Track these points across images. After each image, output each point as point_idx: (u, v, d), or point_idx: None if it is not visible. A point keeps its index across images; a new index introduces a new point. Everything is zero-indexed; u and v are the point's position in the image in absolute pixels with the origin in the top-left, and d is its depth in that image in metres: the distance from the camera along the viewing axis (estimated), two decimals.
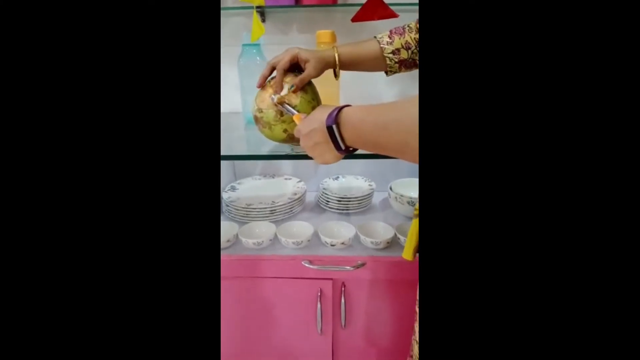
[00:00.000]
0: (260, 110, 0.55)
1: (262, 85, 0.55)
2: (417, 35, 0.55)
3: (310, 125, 0.41)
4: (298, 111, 0.51)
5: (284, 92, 0.53)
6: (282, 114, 0.54)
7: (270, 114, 0.54)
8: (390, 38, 0.55)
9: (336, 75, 0.57)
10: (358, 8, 0.73)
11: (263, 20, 0.88)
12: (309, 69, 0.52)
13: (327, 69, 0.55)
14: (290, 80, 0.53)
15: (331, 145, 0.39)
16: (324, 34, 0.76)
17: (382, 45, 0.55)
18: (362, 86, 0.88)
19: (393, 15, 0.69)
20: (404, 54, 0.55)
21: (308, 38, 0.90)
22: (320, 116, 0.40)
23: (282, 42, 0.90)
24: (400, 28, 0.56)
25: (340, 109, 0.38)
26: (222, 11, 0.88)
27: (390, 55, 0.55)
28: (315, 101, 0.56)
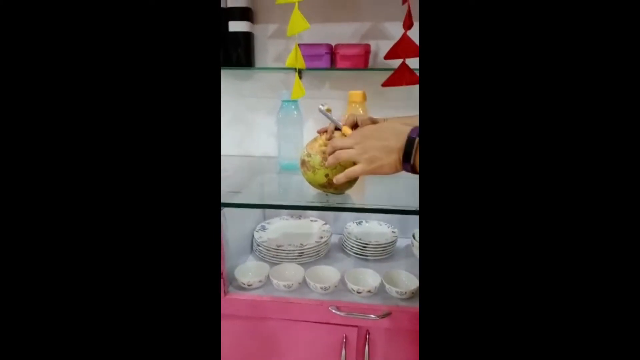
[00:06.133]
0: (309, 155, 0.63)
1: (321, 133, 0.64)
2: None
3: (384, 131, 0.43)
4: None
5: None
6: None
7: (316, 159, 0.62)
8: None
9: None
10: (384, 71, 0.81)
11: (300, 77, 0.97)
12: (364, 122, 0.61)
13: None
14: (339, 135, 0.62)
15: (398, 155, 0.40)
16: (356, 94, 0.84)
17: None
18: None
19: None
20: None
21: (339, 94, 0.98)
22: (399, 128, 0.42)
23: (316, 96, 0.99)
24: None
25: None
26: (263, 71, 0.99)
27: None
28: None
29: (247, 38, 0.92)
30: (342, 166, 0.62)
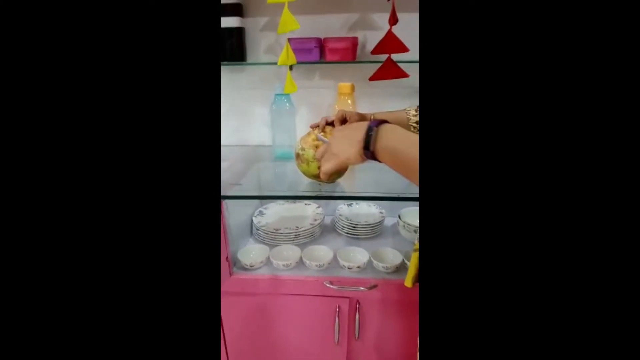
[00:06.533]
0: (302, 149, 0.70)
1: (314, 128, 0.71)
2: None
3: (350, 127, 0.49)
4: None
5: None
6: None
7: (310, 152, 0.69)
8: (416, 112, 0.68)
9: None
10: (371, 64, 0.86)
11: (291, 69, 1.01)
12: (352, 117, 0.68)
13: None
14: (330, 130, 0.68)
15: (360, 144, 0.45)
16: (345, 86, 0.89)
17: (408, 116, 0.68)
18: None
19: (404, 75, 0.82)
20: None
21: (329, 83, 1.03)
22: (360, 125, 0.47)
23: (306, 86, 1.03)
24: None
25: (383, 122, 0.45)
26: (255, 66, 1.03)
27: (414, 124, 0.67)
28: None
29: (239, 33, 0.95)
30: None
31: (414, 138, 0.41)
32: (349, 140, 0.47)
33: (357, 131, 0.46)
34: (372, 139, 0.44)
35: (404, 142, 0.42)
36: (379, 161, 0.46)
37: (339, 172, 0.72)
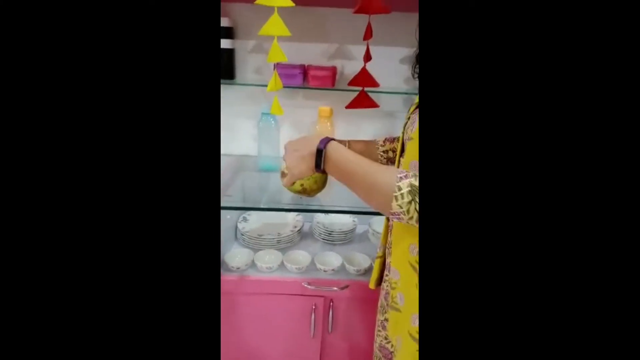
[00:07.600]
0: (287, 168, 0.80)
1: None
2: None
3: (300, 143, 0.58)
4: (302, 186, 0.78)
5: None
6: None
7: None
8: (384, 143, 0.79)
9: None
10: (349, 92, 0.98)
11: None
12: None
13: None
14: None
15: (311, 162, 0.54)
16: (324, 110, 1.01)
17: (377, 146, 0.79)
18: (353, 135, 1.13)
19: (375, 105, 0.95)
20: (390, 154, 0.80)
21: (310, 104, 1.14)
22: (311, 140, 0.56)
23: (290, 106, 1.14)
24: (392, 137, 0.80)
25: (330, 140, 0.55)
26: (243, 86, 1.12)
27: (382, 152, 0.79)
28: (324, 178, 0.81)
29: (229, 54, 1.04)
30: (314, 178, 0.80)
31: (353, 158, 0.51)
32: (297, 156, 0.57)
33: (304, 147, 0.55)
34: (322, 160, 0.54)
35: (346, 164, 0.52)
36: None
37: (319, 187, 0.84)
